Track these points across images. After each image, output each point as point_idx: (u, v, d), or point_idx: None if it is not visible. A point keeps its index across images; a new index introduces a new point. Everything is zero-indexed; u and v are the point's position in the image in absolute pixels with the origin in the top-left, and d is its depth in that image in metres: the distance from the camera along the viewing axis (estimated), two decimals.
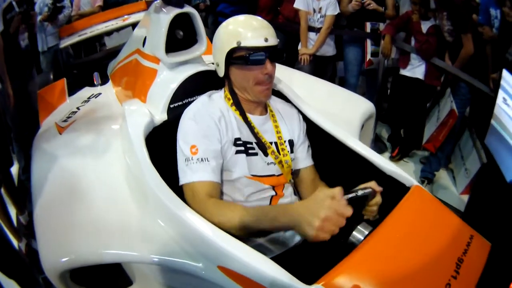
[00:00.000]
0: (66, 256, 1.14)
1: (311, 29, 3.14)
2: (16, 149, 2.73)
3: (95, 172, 1.45)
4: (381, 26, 3.08)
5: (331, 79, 3.63)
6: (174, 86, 1.48)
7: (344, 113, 1.72)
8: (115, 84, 2.10)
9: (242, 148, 1.22)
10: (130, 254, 1.14)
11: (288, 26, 3.48)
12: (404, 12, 3.00)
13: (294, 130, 1.37)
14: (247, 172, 1.22)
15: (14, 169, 2.49)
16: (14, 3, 2.47)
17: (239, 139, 1.22)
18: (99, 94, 2.11)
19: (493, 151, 1.83)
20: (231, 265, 0.99)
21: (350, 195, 0.98)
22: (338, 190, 0.90)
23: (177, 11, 1.47)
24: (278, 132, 1.32)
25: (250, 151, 1.24)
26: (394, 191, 1.19)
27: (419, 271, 0.95)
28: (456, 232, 1.08)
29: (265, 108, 1.34)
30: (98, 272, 1.30)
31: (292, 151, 1.34)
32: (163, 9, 1.53)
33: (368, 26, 3.10)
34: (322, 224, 0.86)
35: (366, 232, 1.01)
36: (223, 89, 1.33)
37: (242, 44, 1.16)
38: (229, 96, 1.28)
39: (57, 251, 1.16)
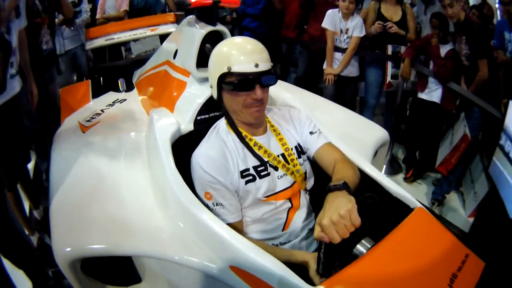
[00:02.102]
0: (79, 244, 1.20)
1: (337, 49, 3.17)
2: (34, 145, 2.76)
3: (117, 171, 1.52)
4: (402, 49, 3.10)
5: (352, 99, 3.65)
6: (202, 99, 1.54)
7: (359, 138, 1.76)
8: (141, 92, 2.16)
9: (251, 178, 1.25)
10: (147, 248, 1.20)
11: (313, 44, 3.53)
12: (424, 35, 3.03)
13: (296, 130, 1.39)
14: (261, 196, 1.27)
15: (30, 164, 2.52)
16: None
17: (245, 170, 1.25)
18: (124, 100, 2.18)
19: (497, 182, 1.82)
20: (243, 265, 1.06)
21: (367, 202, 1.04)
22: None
23: (209, 28, 1.54)
24: (283, 144, 1.34)
25: (262, 173, 1.27)
26: (399, 211, 1.24)
27: (415, 282, 1.03)
28: (452, 250, 1.15)
29: (265, 127, 1.36)
30: (108, 267, 1.35)
31: (300, 156, 1.35)
32: (196, 24, 1.59)
33: (390, 49, 3.12)
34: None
35: (369, 246, 1.07)
36: None
37: (232, 70, 1.17)
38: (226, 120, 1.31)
39: (71, 239, 1.22)
